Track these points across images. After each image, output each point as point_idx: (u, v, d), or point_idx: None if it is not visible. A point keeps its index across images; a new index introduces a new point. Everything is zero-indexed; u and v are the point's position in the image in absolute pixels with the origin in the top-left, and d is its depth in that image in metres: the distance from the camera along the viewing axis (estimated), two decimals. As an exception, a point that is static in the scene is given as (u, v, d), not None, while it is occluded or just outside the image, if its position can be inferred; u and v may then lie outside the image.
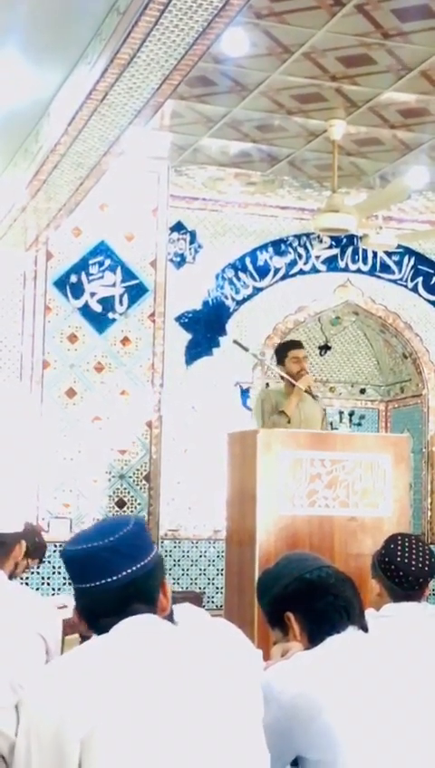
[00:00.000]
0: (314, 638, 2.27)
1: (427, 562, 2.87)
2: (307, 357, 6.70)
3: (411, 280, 9.72)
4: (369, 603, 2.87)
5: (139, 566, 1.91)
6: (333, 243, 9.49)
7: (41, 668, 2.53)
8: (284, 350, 6.66)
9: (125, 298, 8.56)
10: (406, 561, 2.84)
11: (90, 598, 1.92)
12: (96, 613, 1.91)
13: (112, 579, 1.89)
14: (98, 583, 1.90)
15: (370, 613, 2.80)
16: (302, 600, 2.31)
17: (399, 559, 2.84)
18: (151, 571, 1.93)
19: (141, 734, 1.72)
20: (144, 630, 1.87)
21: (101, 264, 8.50)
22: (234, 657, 1.92)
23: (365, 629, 2.31)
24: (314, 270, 9.49)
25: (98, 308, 8.49)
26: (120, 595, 1.89)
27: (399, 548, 2.87)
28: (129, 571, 1.90)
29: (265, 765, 1.88)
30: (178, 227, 9.08)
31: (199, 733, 1.77)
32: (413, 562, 2.85)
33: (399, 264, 9.67)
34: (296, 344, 6.82)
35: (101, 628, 1.89)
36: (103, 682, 1.76)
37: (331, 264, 9.54)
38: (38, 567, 7.82)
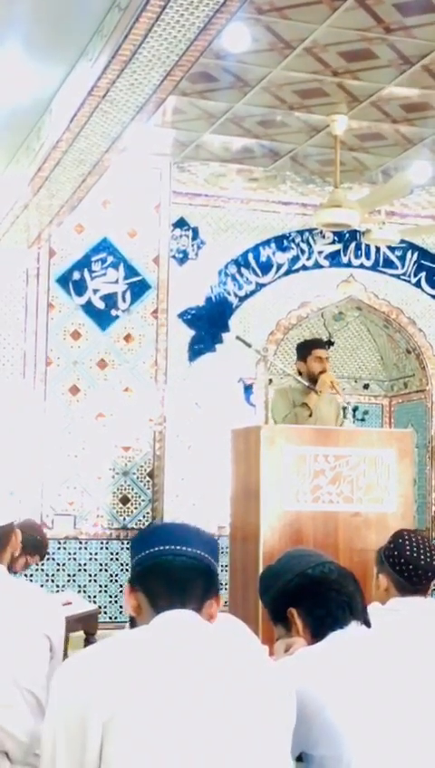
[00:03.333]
0: (317, 633, 2.28)
1: (434, 557, 2.89)
2: (329, 357, 6.74)
3: (415, 275, 9.70)
4: (372, 598, 2.88)
5: (209, 557, 2.02)
6: (336, 238, 9.48)
7: (45, 668, 2.54)
8: (308, 348, 6.66)
9: (128, 295, 8.56)
10: (415, 555, 2.86)
11: (161, 560, 1.98)
12: (155, 578, 1.97)
13: (191, 549, 1.99)
14: (181, 548, 1.99)
15: (375, 606, 2.80)
16: (304, 595, 2.32)
17: (408, 553, 2.86)
18: (213, 573, 2.03)
19: (161, 723, 1.75)
20: (180, 625, 1.91)
21: (103, 260, 8.50)
22: (269, 667, 1.94)
23: (368, 624, 2.32)
24: (317, 265, 9.48)
25: (101, 305, 8.49)
26: (187, 567, 1.97)
27: (407, 543, 2.89)
28: (204, 553, 2.01)
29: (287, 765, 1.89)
30: (181, 224, 9.08)
31: (218, 729, 1.78)
32: (422, 557, 2.88)
33: (402, 259, 9.66)
34: (320, 343, 6.88)
35: (150, 594, 1.96)
36: (130, 669, 1.79)
37: (334, 259, 9.53)
38: (41, 564, 7.84)
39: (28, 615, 2.61)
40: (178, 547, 1.99)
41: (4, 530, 2.79)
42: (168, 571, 1.97)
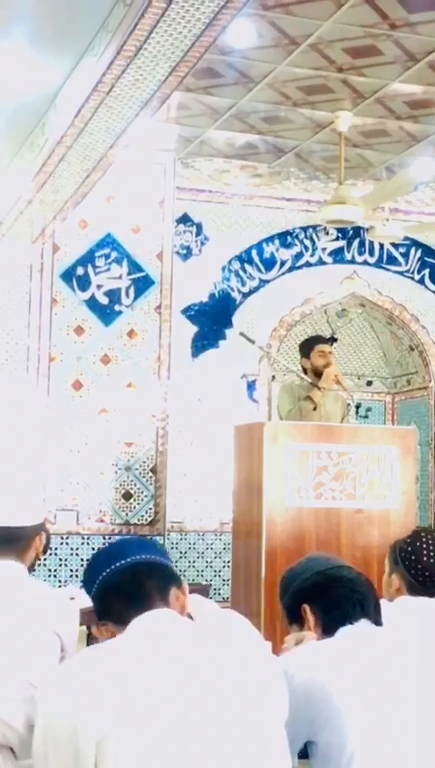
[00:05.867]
0: (327, 629, 2.31)
1: None
2: (332, 353, 6.76)
3: (418, 272, 9.70)
4: (382, 596, 2.87)
5: (148, 556, 2.03)
6: (340, 234, 9.47)
7: (55, 666, 2.54)
8: (311, 344, 6.69)
9: (131, 290, 8.56)
10: (432, 561, 2.81)
11: (107, 584, 2.01)
12: (111, 601, 1.99)
13: (124, 561, 2.02)
14: (116, 564, 2.01)
15: (383, 603, 2.80)
16: (319, 592, 2.37)
17: (425, 559, 2.81)
18: (158, 566, 2.03)
19: (157, 737, 1.72)
20: (161, 628, 1.89)
21: (107, 256, 8.50)
22: (256, 658, 1.93)
23: (379, 625, 2.34)
24: (321, 262, 9.48)
25: (104, 300, 8.49)
26: (132, 572, 1.99)
27: (424, 547, 2.83)
28: (143, 555, 2.03)
29: (286, 765, 1.88)
30: (185, 219, 9.08)
31: (216, 735, 1.76)
32: None
33: (405, 255, 9.66)
34: (323, 339, 6.93)
35: (118, 618, 1.96)
36: (119, 684, 1.76)
37: (337, 255, 9.52)
38: (44, 559, 7.86)
39: (39, 613, 2.61)
40: (115, 565, 2.02)
41: (32, 530, 2.80)
42: (119, 587, 1.99)
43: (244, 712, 1.81)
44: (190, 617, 2.01)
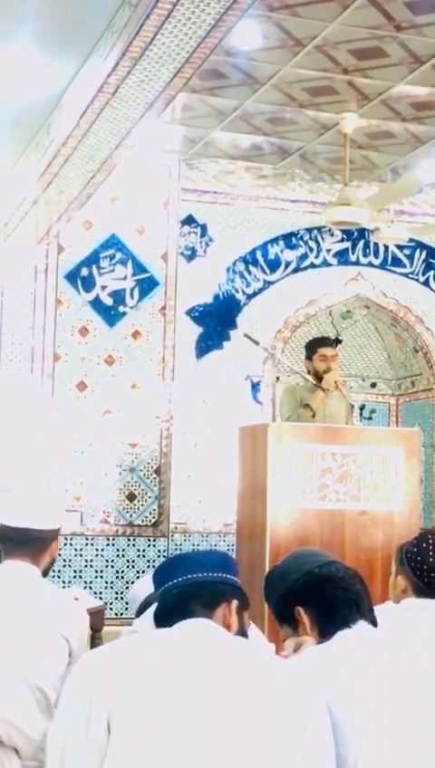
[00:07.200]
0: (324, 631, 2.27)
1: None
2: (337, 355, 6.72)
3: (423, 273, 9.69)
4: (389, 597, 2.86)
5: (208, 574, 2.09)
6: (345, 236, 9.46)
7: (62, 670, 2.56)
8: (314, 347, 6.68)
9: (136, 291, 8.56)
10: None
11: (159, 604, 2.10)
12: (162, 618, 2.06)
13: (181, 579, 2.09)
14: (175, 581, 2.09)
15: (388, 605, 2.78)
16: (312, 594, 2.31)
17: (432, 560, 2.79)
18: (211, 585, 2.09)
19: (164, 716, 1.77)
20: (188, 631, 1.95)
21: (112, 257, 8.50)
22: (285, 672, 1.96)
23: (374, 624, 2.31)
24: (325, 263, 9.47)
25: (109, 301, 8.50)
26: (179, 594, 2.06)
27: (431, 548, 2.80)
28: (203, 573, 2.09)
29: None
30: (189, 221, 9.08)
31: (222, 727, 1.79)
32: None
33: (410, 257, 9.65)
34: (327, 342, 6.89)
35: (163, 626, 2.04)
36: (137, 664, 1.84)
37: (342, 257, 9.52)
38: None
39: (49, 617, 2.62)
40: (169, 583, 2.09)
41: (48, 534, 2.80)
42: (167, 607, 2.07)
43: (247, 720, 1.82)
44: (244, 635, 2.07)
